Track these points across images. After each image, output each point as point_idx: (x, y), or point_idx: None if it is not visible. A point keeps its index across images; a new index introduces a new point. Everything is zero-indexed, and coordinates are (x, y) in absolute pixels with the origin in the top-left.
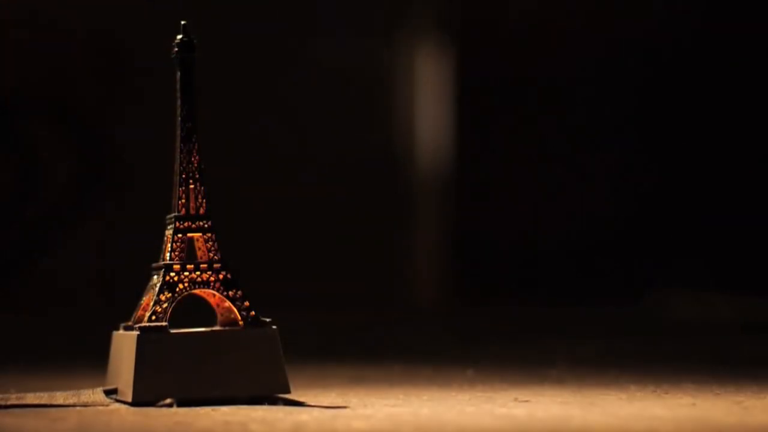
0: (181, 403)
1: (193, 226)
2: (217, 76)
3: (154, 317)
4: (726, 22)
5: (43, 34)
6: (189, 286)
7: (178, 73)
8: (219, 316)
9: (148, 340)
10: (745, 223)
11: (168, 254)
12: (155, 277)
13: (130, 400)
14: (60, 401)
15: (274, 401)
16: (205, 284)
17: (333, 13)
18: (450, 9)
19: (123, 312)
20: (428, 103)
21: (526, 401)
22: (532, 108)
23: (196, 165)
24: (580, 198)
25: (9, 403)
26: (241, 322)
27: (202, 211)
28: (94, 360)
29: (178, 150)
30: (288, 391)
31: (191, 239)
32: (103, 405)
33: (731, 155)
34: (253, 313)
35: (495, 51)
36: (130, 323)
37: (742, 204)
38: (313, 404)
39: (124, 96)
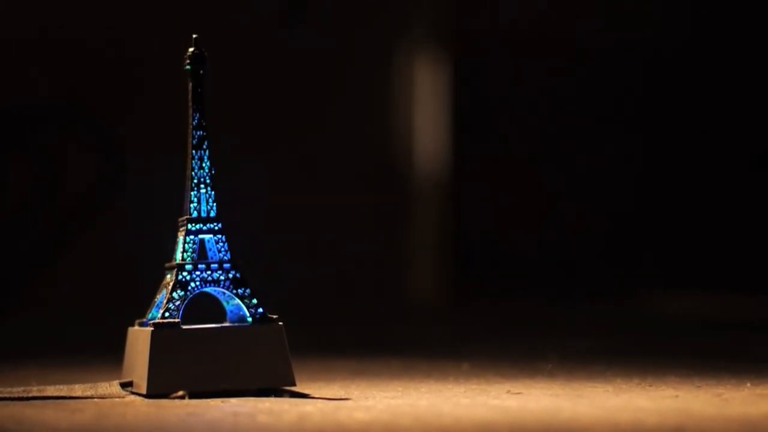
0: (193, 396)
1: (204, 227)
2: (225, 82)
3: (167, 314)
4: (718, 24)
5: (57, 43)
6: (200, 284)
7: (190, 84)
8: (228, 312)
9: (161, 335)
10: (731, 223)
11: (181, 254)
12: (168, 276)
13: (144, 392)
14: (78, 393)
15: (280, 393)
16: (216, 283)
17: (334, 18)
18: (447, 14)
19: (138, 309)
20: (426, 105)
21: (519, 393)
22: (530, 111)
23: (207, 170)
24: (573, 199)
25: (30, 395)
26: (249, 319)
27: (212, 213)
28: (110, 355)
29: (190, 156)
30: (293, 384)
31: (202, 240)
32: (119, 397)
33: (721, 156)
34: (260, 309)
35: (492, 54)
36: (144, 320)
37: (728, 204)
38: (317, 396)
39: (136, 101)
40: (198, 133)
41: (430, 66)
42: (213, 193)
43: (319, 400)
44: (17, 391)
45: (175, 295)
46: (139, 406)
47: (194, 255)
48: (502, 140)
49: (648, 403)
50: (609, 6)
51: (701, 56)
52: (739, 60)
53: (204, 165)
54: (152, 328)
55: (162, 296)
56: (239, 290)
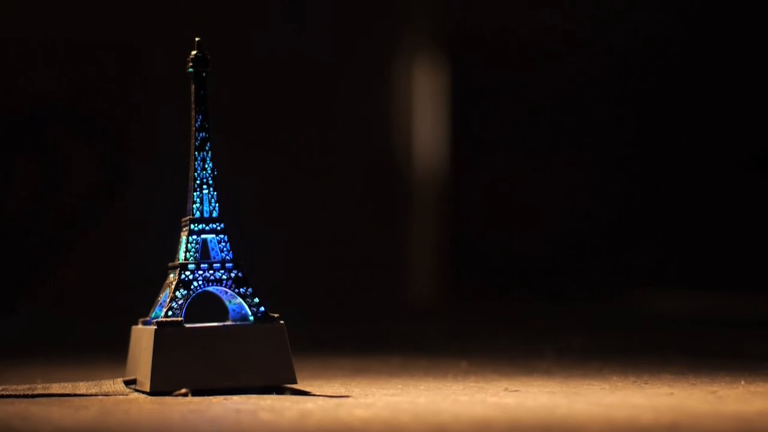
0: (196, 393)
1: (207, 228)
2: (226, 83)
3: (170, 313)
4: (718, 24)
5: (58, 43)
6: (203, 283)
7: (193, 87)
8: (231, 311)
9: (164, 333)
10: (729, 223)
11: (184, 254)
12: (171, 275)
13: (148, 389)
14: (83, 391)
15: (281, 391)
16: (218, 282)
17: (334, 18)
18: (447, 14)
19: (141, 308)
20: (426, 106)
21: (516, 391)
22: (529, 111)
23: (209, 171)
24: (571, 199)
25: (36, 392)
26: (251, 317)
27: (214, 214)
28: (114, 353)
29: (193, 158)
30: (295, 382)
31: (205, 240)
32: (122, 394)
33: (720, 156)
34: (262, 308)
35: (492, 54)
36: (148, 318)
37: (726, 204)
38: (318, 393)
39: (138, 102)
40: (200, 134)
41: (430, 66)
42: (215, 193)
43: (320, 398)
44: (22, 388)
45: (178, 294)
46: (142, 404)
47: (197, 254)
48: (501, 141)
49: (643, 401)
50: (609, 6)
51: (700, 56)
52: (739, 60)
53: (206, 166)
54: (155, 327)
55: (165, 295)
56: (241, 289)
